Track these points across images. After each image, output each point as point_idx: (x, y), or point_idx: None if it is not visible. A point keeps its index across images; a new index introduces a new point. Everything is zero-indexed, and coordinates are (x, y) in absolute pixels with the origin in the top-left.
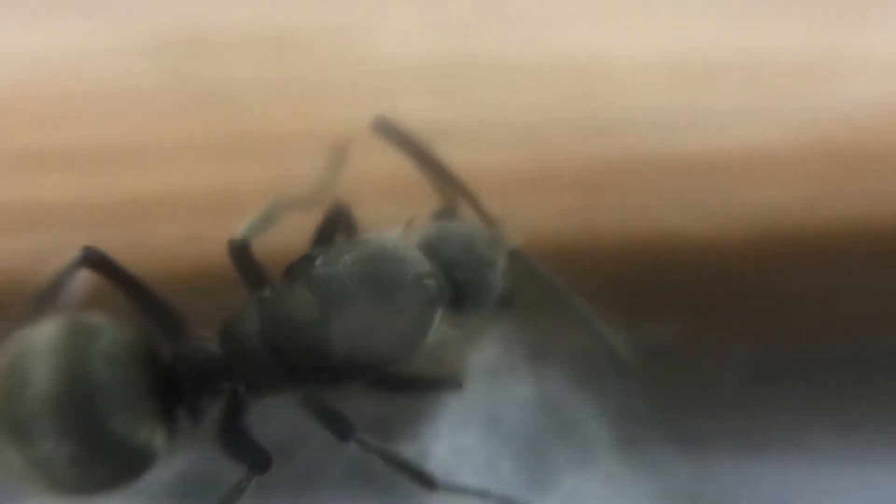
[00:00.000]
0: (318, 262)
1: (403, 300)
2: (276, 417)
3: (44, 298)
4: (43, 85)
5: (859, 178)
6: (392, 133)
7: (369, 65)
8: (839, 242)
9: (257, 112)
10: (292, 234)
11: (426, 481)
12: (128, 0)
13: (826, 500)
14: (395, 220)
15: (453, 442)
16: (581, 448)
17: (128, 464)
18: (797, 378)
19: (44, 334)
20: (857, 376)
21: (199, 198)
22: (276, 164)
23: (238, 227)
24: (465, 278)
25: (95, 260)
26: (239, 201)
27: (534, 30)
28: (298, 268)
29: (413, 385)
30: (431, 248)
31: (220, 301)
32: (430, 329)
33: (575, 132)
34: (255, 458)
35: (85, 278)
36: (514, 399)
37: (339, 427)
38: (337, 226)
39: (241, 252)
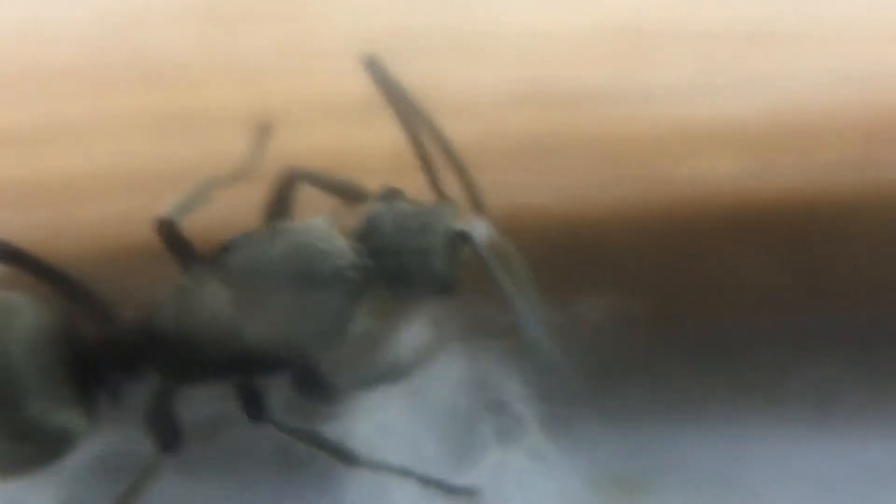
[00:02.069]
0: (233, 252)
1: (320, 293)
2: (203, 396)
3: None
4: None
5: (798, 151)
6: (379, 74)
7: (306, 42)
8: (775, 215)
9: (189, 90)
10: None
11: (347, 458)
12: None
13: (755, 473)
14: None
15: (376, 420)
16: (506, 424)
17: (46, 447)
18: (727, 352)
19: None
20: (787, 350)
21: (130, 176)
22: (208, 141)
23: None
24: (400, 265)
25: (5, 253)
26: (169, 179)
27: (479, 4)
28: (216, 258)
29: (329, 399)
30: (367, 234)
31: (152, 280)
32: (351, 322)
33: (514, 105)
34: (166, 439)
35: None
36: (441, 376)
37: (254, 408)
38: (289, 195)
39: (168, 230)
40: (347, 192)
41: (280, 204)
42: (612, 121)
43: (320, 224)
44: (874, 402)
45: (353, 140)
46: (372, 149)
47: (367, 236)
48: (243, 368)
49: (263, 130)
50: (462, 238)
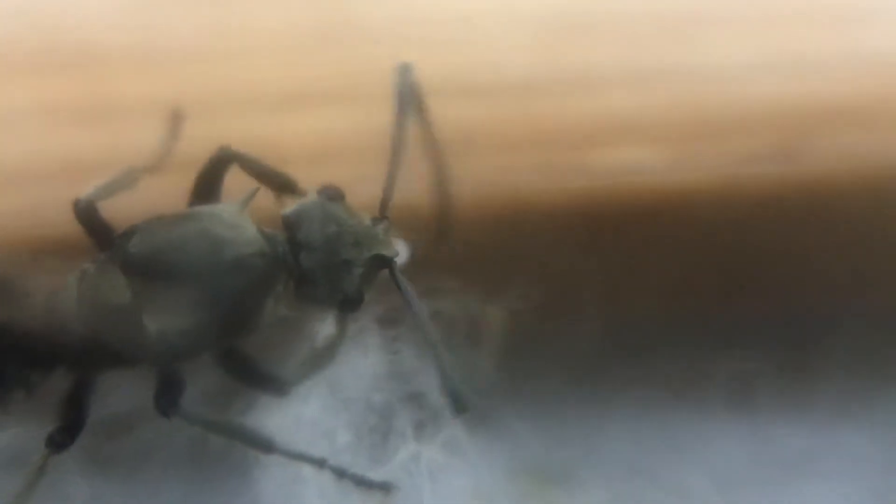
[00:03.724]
0: (134, 240)
1: (221, 286)
2: (116, 390)
3: None
4: None
5: (716, 141)
6: (407, 86)
7: (226, 31)
8: (693, 206)
9: (105, 78)
10: None
11: (263, 446)
12: None
13: (671, 464)
14: None
15: (292, 412)
16: (424, 417)
17: None
18: (644, 344)
19: None
20: (704, 341)
21: (44, 165)
22: (124, 131)
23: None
24: (314, 267)
25: None
26: (84, 170)
27: None
28: (119, 242)
29: (243, 374)
30: (293, 225)
31: (65, 271)
32: (258, 313)
33: (435, 95)
34: (53, 437)
35: None
36: (357, 369)
37: (165, 403)
38: (218, 176)
39: (86, 213)
40: (276, 182)
41: (208, 185)
42: (532, 111)
43: (229, 209)
44: (789, 393)
45: (272, 129)
46: (293, 139)
47: (292, 226)
48: (147, 358)
49: (176, 118)
50: (384, 262)
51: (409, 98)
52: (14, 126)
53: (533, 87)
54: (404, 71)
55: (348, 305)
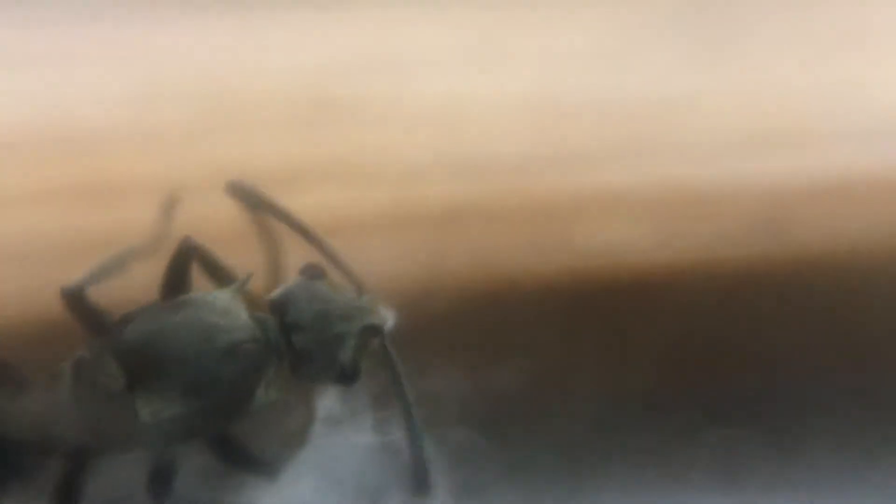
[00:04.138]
0: (128, 327)
1: (213, 373)
2: (110, 476)
3: None
4: None
5: (703, 218)
6: (247, 196)
7: (219, 109)
8: (678, 281)
9: (103, 160)
10: None
11: None
12: None
13: None
14: None
15: (285, 492)
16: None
17: None
18: (633, 416)
19: None
20: (692, 415)
21: (43, 246)
22: (123, 211)
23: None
24: (306, 348)
25: None
26: (82, 250)
27: (395, 74)
28: (112, 332)
29: (232, 459)
30: (282, 307)
31: (59, 351)
32: (250, 397)
33: (427, 174)
34: None
35: None
36: (353, 446)
37: (156, 486)
38: (187, 264)
39: (74, 300)
40: (223, 278)
41: (177, 275)
42: (520, 189)
43: (222, 295)
44: (776, 468)
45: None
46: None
47: (280, 309)
48: (140, 444)
49: (171, 202)
50: (374, 332)
51: (263, 203)
52: (13, 207)
53: (520, 166)
54: (237, 188)
55: (346, 379)
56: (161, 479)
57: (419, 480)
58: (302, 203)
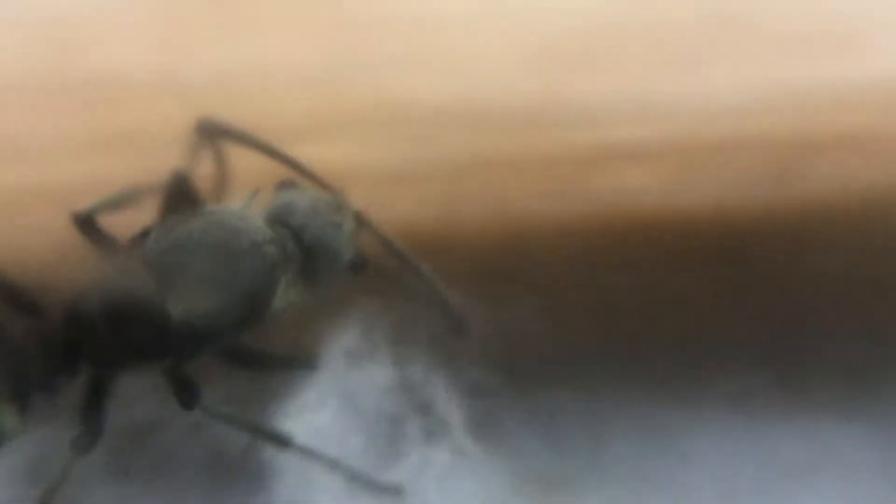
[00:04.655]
0: (153, 236)
1: (239, 268)
2: (138, 400)
3: None
4: None
5: (715, 165)
6: (218, 131)
7: (244, 65)
8: (691, 228)
9: (123, 106)
10: None
11: (280, 441)
12: None
13: (674, 471)
14: None
15: (307, 420)
16: (432, 425)
17: None
18: (647, 356)
19: None
20: (705, 355)
21: (62, 189)
22: (141, 157)
23: None
24: (315, 243)
25: None
26: (100, 193)
27: (413, 26)
28: (135, 243)
29: (267, 362)
30: (278, 217)
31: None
32: (272, 296)
33: (448, 124)
34: (79, 440)
35: None
36: (370, 381)
37: (185, 395)
38: (179, 197)
39: (85, 224)
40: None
41: (170, 207)
42: (537, 139)
43: (236, 206)
44: (788, 402)
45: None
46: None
47: (282, 216)
48: (171, 350)
49: (199, 139)
50: (359, 218)
51: (235, 134)
52: (33, 151)
53: (536, 118)
54: (206, 124)
55: (359, 265)
56: (188, 389)
57: (455, 323)
58: (321, 155)
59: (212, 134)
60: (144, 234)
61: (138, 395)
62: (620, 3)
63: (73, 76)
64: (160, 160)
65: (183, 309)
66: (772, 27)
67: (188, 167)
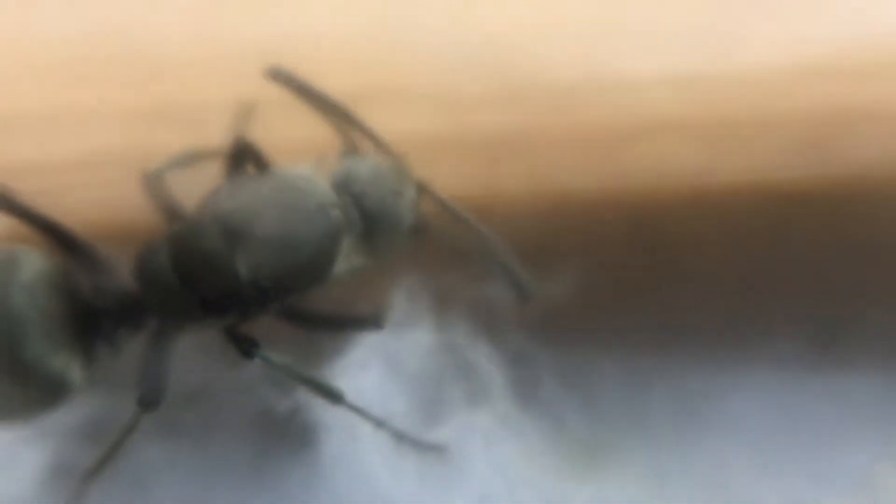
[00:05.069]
0: (223, 194)
1: (306, 229)
2: (187, 362)
3: None
4: None
5: (753, 138)
6: (287, 80)
7: (292, 36)
8: (733, 199)
9: (176, 82)
10: None
11: (332, 395)
12: None
13: (713, 434)
14: None
15: (353, 381)
16: (475, 387)
17: (42, 392)
18: (686, 326)
19: None
20: (742, 323)
21: (119, 161)
22: (196, 130)
23: None
24: (376, 208)
25: (5, 201)
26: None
27: (451, 6)
28: (206, 201)
29: (334, 321)
30: (342, 182)
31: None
32: (336, 256)
33: (487, 100)
34: (145, 396)
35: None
36: (414, 344)
37: (244, 345)
38: (243, 161)
39: (154, 184)
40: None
41: (234, 170)
42: (576, 113)
43: (305, 168)
44: (826, 367)
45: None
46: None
47: (346, 182)
48: (237, 306)
49: (246, 110)
50: (421, 186)
51: (303, 86)
52: (91, 126)
53: (576, 90)
54: (277, 71)
55: (418, 231)
56: (247, 340)
57: (520, 289)
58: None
59: (283, 80)
60: (213, 193)
61: (188, 357)
62: None
63: (119, 48)
64: (206, 130)
65: (251, 266)
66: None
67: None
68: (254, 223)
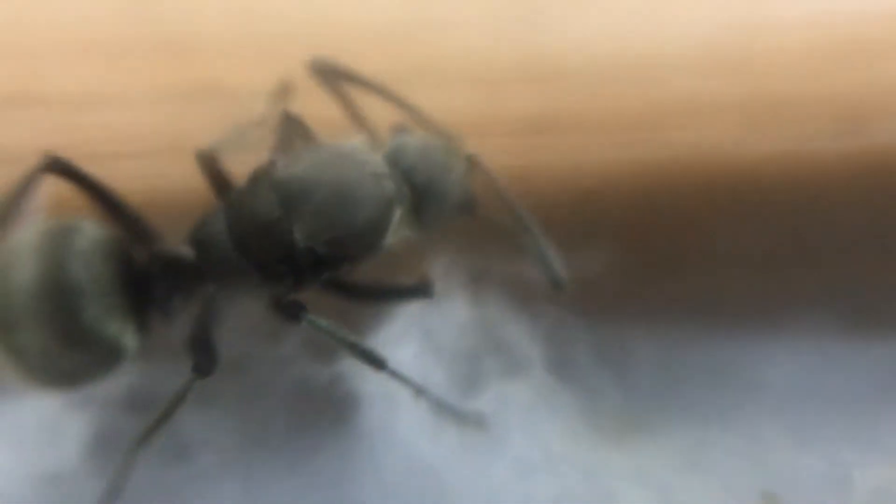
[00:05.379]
0: (280, 164)
1: (361, 197)
2: (229, 334)
3: (9, 205)
4: (15, 31)
5: (786, 117)
6: (331, 70)
7: (329, 20)
8: (758, 179)
9: (211, 62)
10: None
11: (375, 361)
12: None
13: (751, 412)
14: None
15: (390, 355)
16: (512, 362)
17: (98, 356)
18: (718, 302)
19: (25, 236)
20: (775, 298)
21: (155, 139)
22: (231, 110)
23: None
24: (426, 182)
25: (59, 166)
26: (190, 144)
27: None
28: (261, 171)
29: (385, 292)
30: (393, 157)
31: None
32: (388, 226)
33: (520, 81)
34: (200, 362)
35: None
36: (450, 320)
37: (292, 309)
38: (291, 135)
39: (208, 161)
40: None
41: (283, 145)
42: (611, 94)
43: (358, 141)
44: (851, 338)
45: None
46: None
47: (396, 157)
48: (292, 272)
49: (284, 89)
50: (472, 162)
51: (350, 75)
52: (128, 104)
53: (610, 71)
54: (321, 64)
55: (467, 207)
56: (295, 303)
57: (554, 275)
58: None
59: (324, 73)
60: (268, 163)
61: (227, 329)
62: None
63: (157, 29)
64: (241, 110)
65: (307, 233)
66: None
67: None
68: (311, 191)
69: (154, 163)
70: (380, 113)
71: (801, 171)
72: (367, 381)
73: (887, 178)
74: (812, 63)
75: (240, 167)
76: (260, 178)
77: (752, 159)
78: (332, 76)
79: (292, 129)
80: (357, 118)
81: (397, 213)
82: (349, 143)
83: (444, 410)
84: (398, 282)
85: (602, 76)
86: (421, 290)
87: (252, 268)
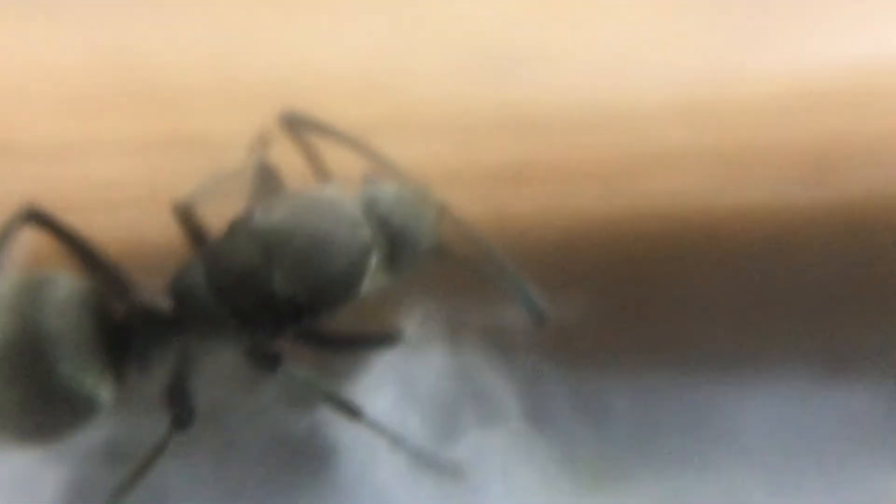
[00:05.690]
0: (258, 212)
1: (339, 244)
2: (205, 385)
3: None
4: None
5: (757, 167)
6: (302, 124)
7: (306, 70)
8: (741, 228)
9: (189, 113)
10: None
11: (351, 411)
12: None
13: (726, 459)
14: None
15: (368, 403)
16: (489, 411)
17: (74, 410)
18: (693, 348)
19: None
20: (754, 345)
21: (133, 189)
22: (208, 159)
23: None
24: (400, 229)
25: (38, 217)
26: (169, 194)
27: (456, 29)
28: (239, 220)
29: (353, 341)
30: (367, 204)
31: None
32: (365, 273)
33: (496, 130)
34: (178, 415)
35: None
36: (428, 368)
37: (269, 360)
38: (268, 185)
39: (185, 214)
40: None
41: (258, 194)
42: (585, 144)
43: (334, 188)
44: (826, 385)
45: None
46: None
47: (370, 205)
48: (271, 322)
49: (263, 139)
50: (443, 207)
51: (319, 127)
52: (105, 154)
53: (585, 120)
54: (291, 117)
55: (438, 252)
56: (270, 354)
57: (535, 314)
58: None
59: (295, 126)
60: (246, 212)
61: (204, 379)
62: (659, 27)
63: (133, 78)
64: (218, 158)
65: (287, 281)
66: (809, 25)
67: (253, 159)
68: (291, 239)
69: (131, 213)
70: (352, 165)
71: (774, 220)
72: (345, 429)
73: (858, 227)
74: (783, 113)
75: (215, 219)
76: (238, 227)
77: (727, 208)
78: (302, 128)
79: (268, 180)
80: (321, 172)
81: (374, 260)
82: (325, 191)
83: (422, 460)
84: (368, 331)
85: (577, 125)
86: (391, 338)
87: (231, 317)
